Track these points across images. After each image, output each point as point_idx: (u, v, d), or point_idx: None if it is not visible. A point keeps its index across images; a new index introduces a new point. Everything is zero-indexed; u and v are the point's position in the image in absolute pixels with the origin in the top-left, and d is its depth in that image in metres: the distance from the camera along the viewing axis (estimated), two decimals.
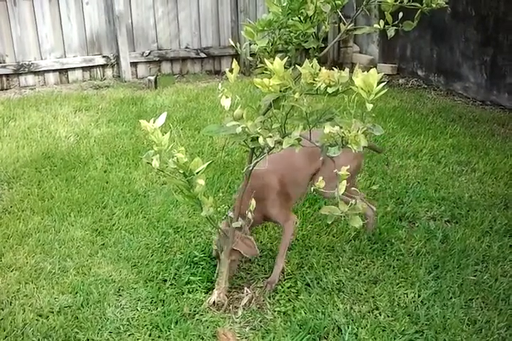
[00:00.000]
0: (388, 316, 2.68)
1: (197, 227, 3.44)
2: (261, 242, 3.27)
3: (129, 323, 2.62)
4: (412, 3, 2.54)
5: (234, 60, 2.57)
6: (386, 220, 3.53)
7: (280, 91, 2.31)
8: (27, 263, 3.07)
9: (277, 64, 2.24)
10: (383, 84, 2.12)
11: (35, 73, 6.90)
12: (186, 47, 7.50)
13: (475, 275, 3.00)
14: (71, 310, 2.69)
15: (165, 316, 2.63)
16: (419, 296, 2.82)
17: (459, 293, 2.85)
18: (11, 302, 2.75)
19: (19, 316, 2.64)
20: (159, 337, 2.53)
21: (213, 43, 7.61)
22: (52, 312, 2.68)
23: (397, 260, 3.13)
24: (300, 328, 2.58)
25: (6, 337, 2.52)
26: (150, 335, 2.53)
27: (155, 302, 2.76)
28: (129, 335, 2.54)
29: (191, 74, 7.54)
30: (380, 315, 2.69)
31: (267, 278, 2.93)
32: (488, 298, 2.82)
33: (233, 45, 2.93)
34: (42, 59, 6.86)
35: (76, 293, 2.81)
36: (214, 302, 2.72)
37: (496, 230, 3.45)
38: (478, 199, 3.85)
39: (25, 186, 4.03)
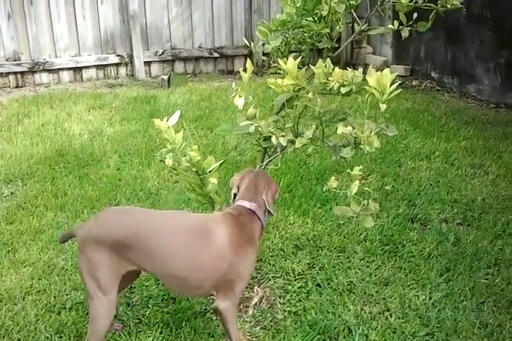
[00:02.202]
0: (399, 318, 2.67)
1: None
2: (272, 242, 3.27)
3: (140, 321, 2.64)
4: (427, 4, 2.53)
5: (248, 59, 2.58)
6: (398, 222, 3.52)
7: (293, 90, 2.32)
8: (40, 259, 3.10)
9: (291, 64, 2.24)
10: (397, 84, 2.12)
11: (50, 71, 6.96)
12: (199, 47, 7.53)
13: (487, 279, 2.98)
14: (83, 307, 2.70)
15: (176, 314, 2.64)
16: (430, 298, 2.81)
17: (470, 296, 2.83)
18: (23, 298, 2.78)
19: (32, 311, 2.66)
20: (169, 335, 2.54)
21: (226, 43, 7.63)
22: (65, 308, 2.70)
23: (409, 262, 3.11)
24: (310, 328, 2.58)
25: (19, 331, 2.54)
26: (161, 333, 2.54)
27: (166, 300, 2.77)
28: (140, 332, 2.56)
29: (204, 74, 7.56)
30: (391, 316, 2.68)
31: (278, 277, 2.94)
32: (500, 301, 2.80)
33: (247, 43, 2.95)
34: (56, 57, 6.93)
35: None
36: None
37: (508, 233, 3.42)
38: (491, 202, 3.82)
39: (39, 183, 4.06)
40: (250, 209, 2.32)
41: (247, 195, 2.36)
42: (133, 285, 2.86)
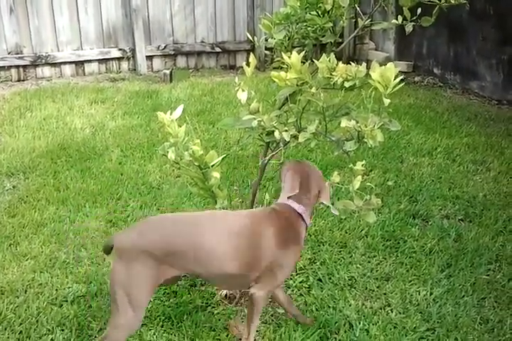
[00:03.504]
0: (400, 313, 2.68)
1: None
2: None
3: None
4: None
5: (251, 53, 2.57)
6: (399, 218, 3.52)
7: (297, 85, 2.31)
8: (42, 252, 3.10)
9: (294, 57, 2.23)
10: (400, 78, 2.12)
11: (52, 65, 6.93)
12: (202, 42, 7.51)
13: (488, 275, 2.99)
14: (84, 300, 2.71)
15: (177, 307, 2.65)
16: (431, 294, 2.81)
17: (471, 291, 2.83)
18: (25, 291, 2.79)
19: (33, 304, 2.67)
20: (171, 328, 2.55)
21: (229, 38, 7.61)
22: (66, 301, 2.70)
23: (410, 257, 3.12)
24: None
25: (21, 324, 2.55)
26: (162, 326, 2.55)
27: (168, 293, 2.77)
28: (142, 326, 2.55)
29: (206, 69, 7.55)
30: (392, 311, 2.69)
31: None
32: (500, 297, 2.80)
33: (250, 37, 2.94)
34: (59, 51, 6.90)
35: (90, 283, 2.83)
36: (226, 295, 2.73)
37: (510, 230, 3.42)
38: (492, 199, 3.82)
39: (40, 176, 4.06)
40: (297, 211, 2.29)
41: (298, 196, 2.29)
42: None
